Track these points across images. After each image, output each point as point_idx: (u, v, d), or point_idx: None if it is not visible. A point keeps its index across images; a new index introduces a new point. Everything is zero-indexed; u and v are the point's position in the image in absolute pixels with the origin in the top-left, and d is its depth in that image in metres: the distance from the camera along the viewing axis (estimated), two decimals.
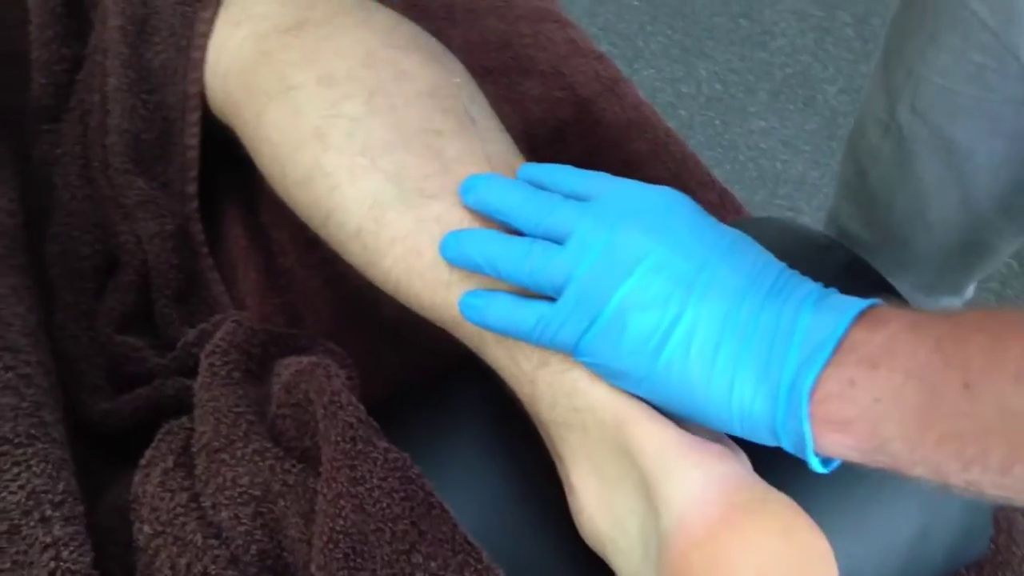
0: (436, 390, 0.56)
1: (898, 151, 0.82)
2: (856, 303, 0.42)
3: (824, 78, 1.85)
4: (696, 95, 1.81)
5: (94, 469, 0.52)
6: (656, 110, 0.78)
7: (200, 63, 0.62)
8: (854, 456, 0.40)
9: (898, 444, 0.39)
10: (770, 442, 0.43)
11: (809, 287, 0.44)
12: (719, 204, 0.72)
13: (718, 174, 1.79)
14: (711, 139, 1.76)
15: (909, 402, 0.38)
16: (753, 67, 1.86)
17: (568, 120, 0.74)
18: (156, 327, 0.61)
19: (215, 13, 0.62)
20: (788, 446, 0.42)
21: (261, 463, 0.45)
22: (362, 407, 0.47)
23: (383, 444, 0.46)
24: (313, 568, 0.42)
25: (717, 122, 1.78)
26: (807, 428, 0.40)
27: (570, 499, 0.48)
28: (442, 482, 0.47)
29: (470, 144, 0.53)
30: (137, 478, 0.47)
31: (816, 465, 0.42)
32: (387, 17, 0.61)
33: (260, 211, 0.69)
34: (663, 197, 0.47)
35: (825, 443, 0.40)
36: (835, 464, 0.43)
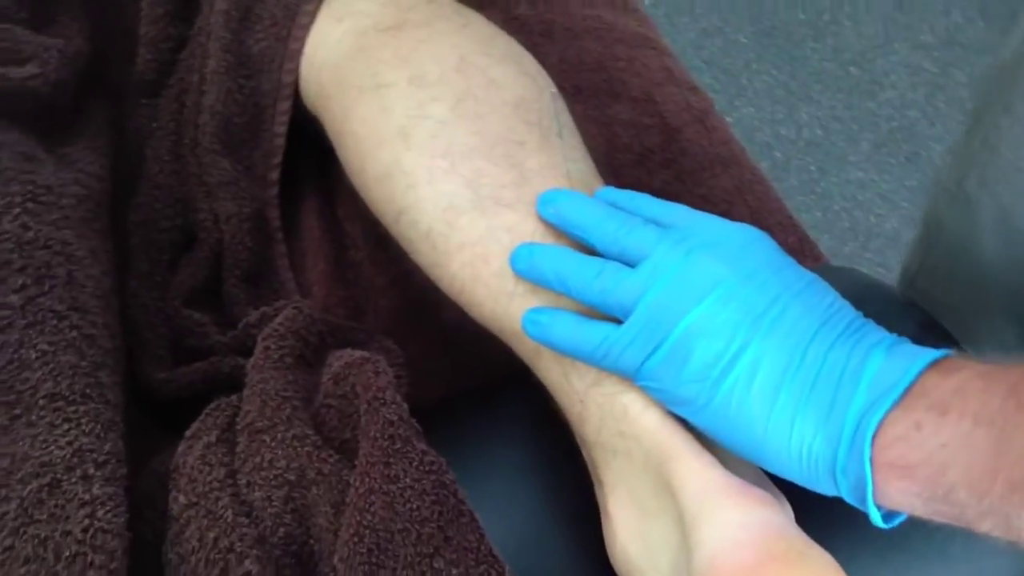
0: (485, 400, 0.56)
1: (963, 223, 0.79)
2: (929, 352, 0.41)
3: (931, 135, 1.80)
4: (795, 139, 1.78)
5: (145, 434, 0.54)
6: (746, 149, 0.77)
7: (297, 54, 0.63)
8: (917, 505, 0.39)
9: (964, 492, 0.37)
10: (828, 488, 0.42)
11: (882, 334, 0.43)
12: (798, 249, 0.70)
13: (807, 221, 1.75)
14: (805, 185, 1.73)
15: (978, 447, 0.37)
16: (858, 116, 1.82)
17: (653, 148, 0.74)
18: (222, 305, 0.62)
19: (317, 7, 0.63)
20: (847, 493, 0.41)
21: (299, 448, 0.46)
22: (405, 406, 0.47)
23: (421, 446, 0.46)
24: (336, 559, 0.43)
25: (813, 168, 1.75)
26: (868, 472, 0.39)
27: (605, 525, 0.47)
28: (477, 492, 0.47)
29: (551, 159, 0.53)
30: (180, 448, 0.48)
31: (876, 517, 0.40)
32: (485, 27, 0.61)
33: (337, 204, 0.70)
34: (743, 232, 0.47)
35: (888, 490, 0.39)
36: (897, 520, 0.41)
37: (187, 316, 0.59)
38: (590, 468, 0.49)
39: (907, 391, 0.39)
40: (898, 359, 0.41)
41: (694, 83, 0.79)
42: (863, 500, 0.40)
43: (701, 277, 0.44)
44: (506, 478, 0.50)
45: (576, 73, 0.77)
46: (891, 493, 0.39)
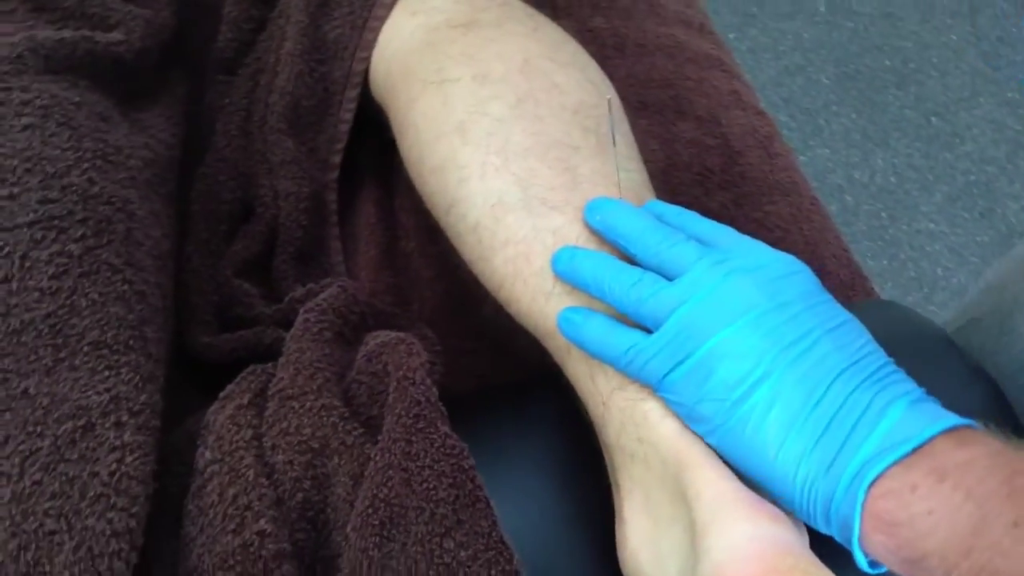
0: (516, 395, 0.56)
1: (997, 310, 0.78)
2: (949, 417, 0.41)
3: (1009, 193, 1.76)
4: (868, 183, 1.76)
5: (184, 395, 0.55)
6: (817, 189, 0.76)
7: (371, 44, 0.65)
8: (893, 563, 0.40)
9: (936, 560, 0.38)
10: (822, 526, 0.42)
11: (909, 386, 0.43)
12: (850, 284, 0.70)
13: (873, 267, 1.72)
14: (873, 230, 1.71)
15: (961, 523, 0.37)
16: (935, 167, 1.79)
17: (714, 168, 0.74)
18: (272, 280, 0.63)
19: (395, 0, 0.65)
20: (837, 532, 0.41)
21: (326, 418, 0.47)
22: (434, 389, 0.48)
23: (444, 429, 0.46)
24: (349, 528, 0.43)
25: (883, 215, 1.72)
26: (857, 517, 0.39)
27: (618, 528, 0.47)
28: (497, 483, 0.48)
29: (604, 167, 0.54)
30: (213, 407, 0.49)
31: (861, 561, 0.41)
32: (554, 32, 0.62)
33: (394, 194, 0.71)
34: (784, 262, 0.47)
35: (870, 542, 0.40)
36: (882, 570, 0.41)
37: (237, 286, 0.61)
38: (609, 471, 0.49)
39: (916, 450, 0.39)
40: (917, 416, 0.41)
41: (761, 108, 0.79)
42: (849, 542, 0.40)
43: (735, 299, 0.44)
44: (527, 472, 0.51)
45: (644, 88, 0.77)
46: (872, 545, 0.40)
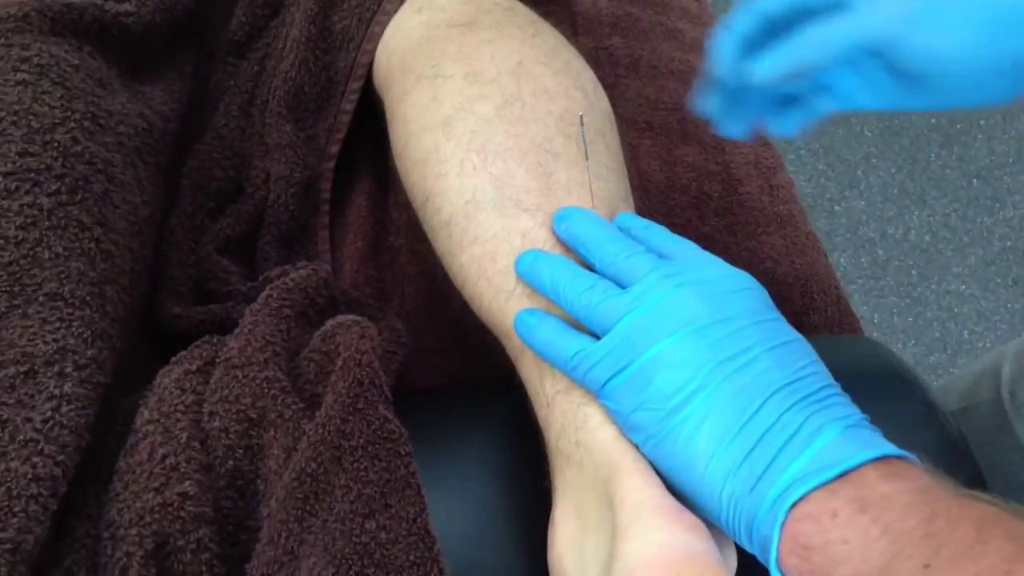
0: (474, 394, 0.56)
1: (997, 419, 0.76)
2: (885, 446, 0.40)
3: None
4: (901, 240, 1.74)
5: (150, 364, 0.55)
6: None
7: (376, 37, 0.65)
8: None
9: None
10: (745, 543, 0.41)
11: (849, 411, 0.42)
12: (835, 320, 0.68)
13: (897, 323, 1.69)
14: (902, 287, 1.68)
15: (873, 558, 0.36)
16: (971, 229, 1.76)
17: (712, 194, 0.73)
18: (255, 261, 0.64)
19: None
20: (758, 551, 0.41)
21: (267, 390, 0.47)
22: (381, 374, 0.48)
23: (385, 412, 0.46)
24: (272, 499, 0.43)
25: (913, 272, 1.70)
26: (776, 537, 0.39)
27: (549, 531, 0.46)
28: (434, 476, 0.48)
29: (581, 175, 0.54)
30: (162, 371, 0.49)
31: None
32: (553, 39, 0.62)
33: (388, 190, 0.71)
34: (736, 279, 0.47)
35: (785, 564, 0.39)
36: None
37: (216, 262, 0.61)
38: (551, 473, 0.48)
39: (841, 476, 0.39)
40: (848, 442, 0.40)
41: (768, 140, 0.78)
42: (767, 562, 0.40)
43: (680, 311, 0.44)
44: (470, 469, 0.50)
45: (652, 110, 0.77)
46: (788, 565, 0.39)
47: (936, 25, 0.42)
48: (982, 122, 1.90)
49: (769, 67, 0.46)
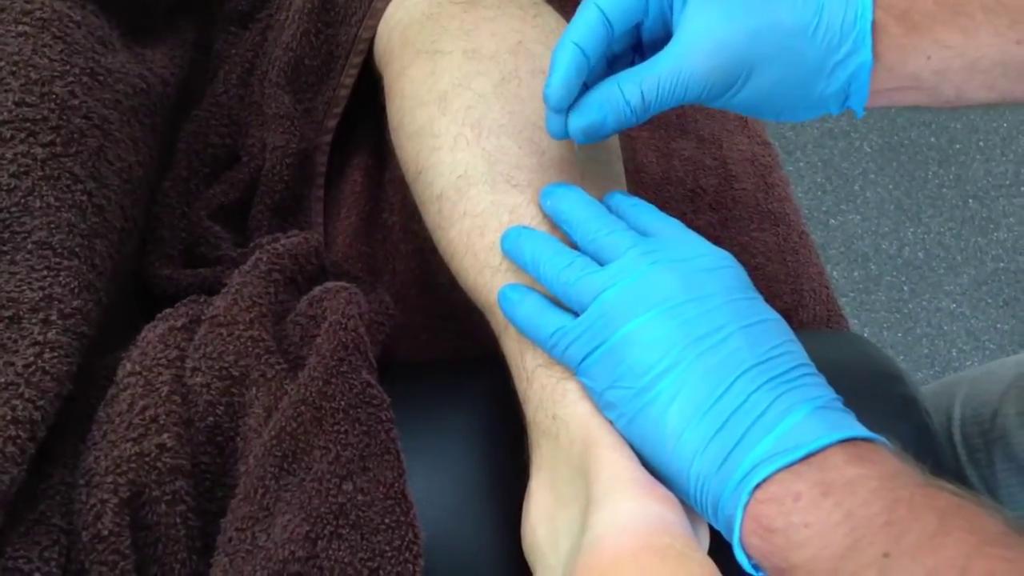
0: (460, 369, 0.56)
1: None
2: (854, 428, 0.40)
3: None
4: (894, 255, 1.74)
5: (133, 325, 0.56)
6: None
7: (379, 13, 0.65)
8: (764, 566, 0.39)
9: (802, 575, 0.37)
10: (712, 521, 0.42)
11: (821, 392, 0.42)
12: (824, 318, 0.69)
13: (887, 338, 1.69)
14: (892, 302, 1.68)
15: (833, 544, 0.36)
16: (965, 249, 1.76)
17: (707, 189, 0.73)
18: (246, 228, 0.64)
19: None
20: (723, 528, 0.41)
21: (251, 348, 0.47)
22: (366, 339, 0.48)
23: (368, 377, 0.46)
24: (251, 456, 0.43)
25: (905, 288, 1.70)
26: (739, 518, 0.39)
27: (524, 503, 0.47)
28: (418, 445, 0.48)
29: (572, 154, 0.54)
30: (147, 326, 0.49)
31: (744, 562, 0.40)
32: (554, 20, 0.62)
33: (385, 167, 0.71)
34: (713, 257, 0.47)
35: (747, 544, 0.39)
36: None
37: (208, 227, 0.61)
38: (528, 447, 0.48)
39: (807, 458, 0.39)
40: (817, 423, 0.40)
41: (767, 139, 0.78)
42: (732, 541, 0.40)
43: (655, 289, 0.44)
44: (452, 440, 0.50)
45: None
46: (749, 545, 0.39)
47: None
48: (981, 143, 1.91)
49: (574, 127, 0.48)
